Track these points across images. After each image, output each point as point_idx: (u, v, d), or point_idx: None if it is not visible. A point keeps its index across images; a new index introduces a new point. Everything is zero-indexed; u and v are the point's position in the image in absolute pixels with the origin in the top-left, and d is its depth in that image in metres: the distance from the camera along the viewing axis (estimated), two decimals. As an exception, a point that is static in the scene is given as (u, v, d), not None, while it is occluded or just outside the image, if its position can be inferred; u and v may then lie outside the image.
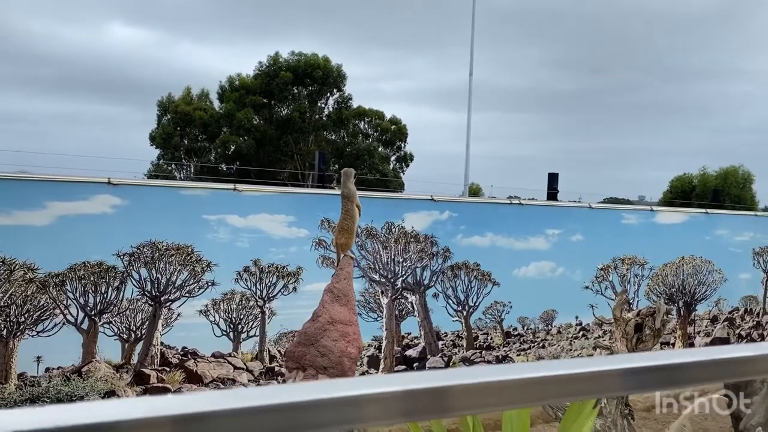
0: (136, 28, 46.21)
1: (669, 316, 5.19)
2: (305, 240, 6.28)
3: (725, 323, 8.87)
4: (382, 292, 6.66)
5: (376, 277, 6.62)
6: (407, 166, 31.09)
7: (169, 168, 28.98)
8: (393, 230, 6.69)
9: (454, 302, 6.99)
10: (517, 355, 7.42)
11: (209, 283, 5.91)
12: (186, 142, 29.09)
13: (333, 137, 29.76)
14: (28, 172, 6.67)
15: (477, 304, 7.12)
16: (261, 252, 6.10)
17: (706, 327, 8.74)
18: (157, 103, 30.15)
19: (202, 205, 5.97)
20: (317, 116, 29.22)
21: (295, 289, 6.21)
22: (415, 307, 6.80)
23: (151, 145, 29.64)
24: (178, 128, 28.95)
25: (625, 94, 58.36)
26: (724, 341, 8.81)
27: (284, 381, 4.68)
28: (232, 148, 28.29)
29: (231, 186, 6.14)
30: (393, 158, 30.95)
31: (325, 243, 6.30)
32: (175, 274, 5.77)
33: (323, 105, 29.70)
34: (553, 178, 8.66)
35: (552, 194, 8.69)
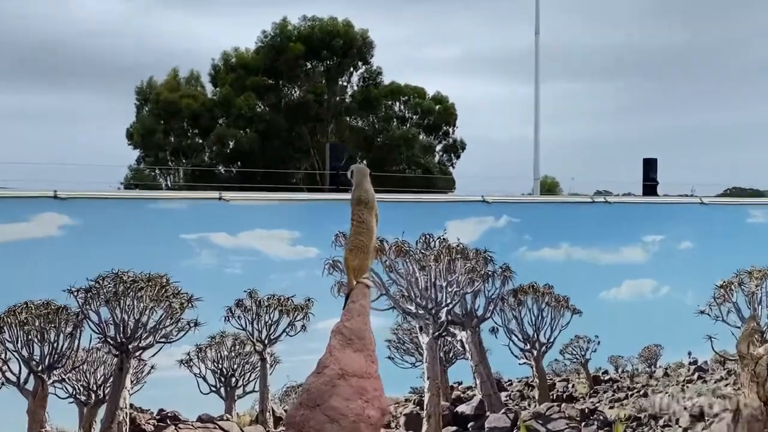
0: (107, -3, 47.31)
1: (817, 350, 4.89)
2: (315, 262, 6.26)
3: None
4: (421, 329, 6.62)
5: (412, 308, 6.59)
6: (458, 157, 30.92)
7: (153, 173, 29.49)
8: (432, 244, 6.67)
9: (519, 339, 6.95)
10: (610, 408, 7.28)
11: (191, 324, 5.91)
12: (172, 139, 29.52)
13: (360, 124, 29.82)
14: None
15: (552, 340, 7.08)
16: (258, 280, 6.12)
17: None
18: (136, 91, 30.76)
19: (179, 222, 6.01)
20: (338, 98, 29.33)
21: (304, 327, 6.22)
22: (466, 346, 6.77)
23: (129, 143, 30.17)
24: (162, 122, 29.41)
25: (743, 52, 56.98)
26: None
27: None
28: (231, 144, 28.56)
29: (216, 194, 6.18)
30: (439, 148, 30.80)
31: (341, 265, 5.96)
32: (147, 312, 5.78)
33: (345, 83, 29.85)
34: (649, 166, 8.44)
35: (649, 187, 8.45)
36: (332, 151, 7.33)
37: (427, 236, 6.66)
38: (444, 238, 6.72)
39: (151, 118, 29.55)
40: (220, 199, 6.09)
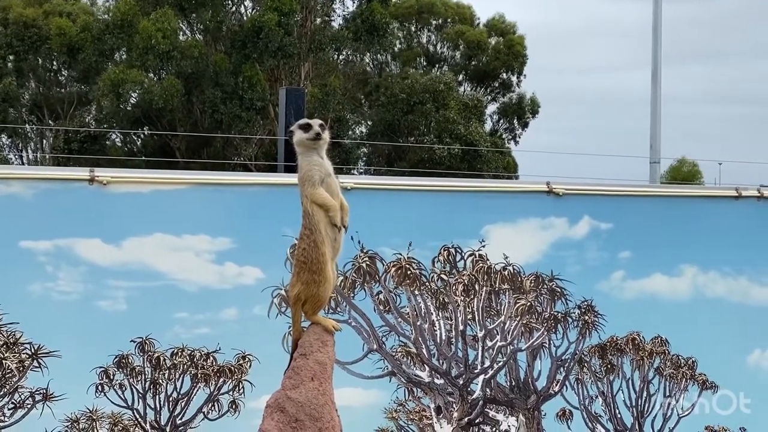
0: None
1: None
2: (253, 290, 5.39)
3: None
4: (440, 410, 5.60)
5: (424, 375, 5.61)
6: (524, 126, 24.49)
7: None
8: (461, 264, 5.67)
9: (609, 430, 5.93)
10: None
11: (37, 394, 5.07)
12: (33, 84, 21.81)
13: (357, 64, 21.89)
14: None
15: None
16: (156, 321, 5.29)
17: None
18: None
19: (19, 220, 5.22)
20: (319, 20, 20.82)
21: (235, 406, 5.36)
22: (517, 440, 5.87)
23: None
24: (14, 57, 21.54)
25: None
26: None
27: None
28: (134, 96, 20.29)
29: (84, 173, 5.23)
30: (493, 108, 23.82)
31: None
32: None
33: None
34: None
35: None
36: (289, 101, 5.77)
37: (453, 250, 5.64)
38: (480, 255, 5.69)
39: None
40: (91, 181, 5.15)
